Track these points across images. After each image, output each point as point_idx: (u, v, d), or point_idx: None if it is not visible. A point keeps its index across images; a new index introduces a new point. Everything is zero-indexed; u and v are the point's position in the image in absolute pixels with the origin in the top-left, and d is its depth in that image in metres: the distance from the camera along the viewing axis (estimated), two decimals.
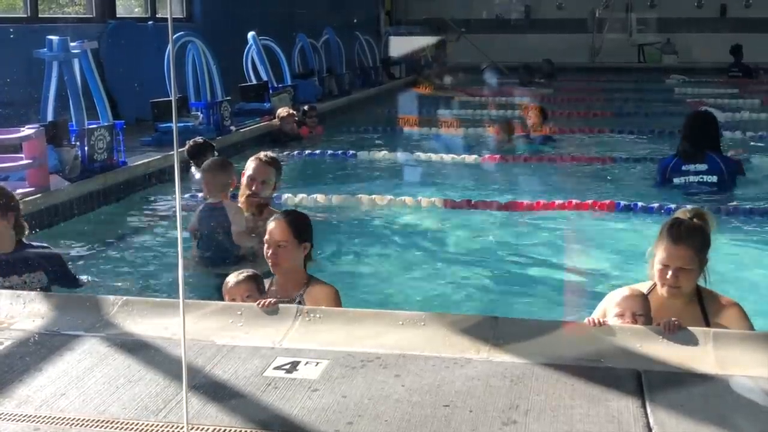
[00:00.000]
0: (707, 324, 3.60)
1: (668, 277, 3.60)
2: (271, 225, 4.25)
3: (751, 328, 3.65)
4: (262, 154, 5.53)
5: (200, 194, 7.71)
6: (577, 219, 6.95)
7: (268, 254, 4.19)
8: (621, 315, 3.55)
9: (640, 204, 7.08)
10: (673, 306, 3.63)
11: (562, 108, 14.38)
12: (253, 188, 5.38)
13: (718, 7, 22.32)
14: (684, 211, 3.85)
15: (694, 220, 3.74)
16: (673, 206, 6.90)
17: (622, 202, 7.11)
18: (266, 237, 4.24)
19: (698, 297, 3.70)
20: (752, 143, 10.66)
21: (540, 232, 6.72)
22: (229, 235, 5.25)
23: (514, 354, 3.27)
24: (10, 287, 4.23)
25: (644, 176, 8.84)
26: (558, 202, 7.20)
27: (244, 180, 5.46)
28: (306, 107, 11.88)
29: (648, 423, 2.72)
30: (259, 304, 3.74)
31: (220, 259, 5.27)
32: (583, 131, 11.69)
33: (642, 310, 3.55)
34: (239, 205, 5.42)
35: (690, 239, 3.63)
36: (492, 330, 3.49)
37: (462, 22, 22.22)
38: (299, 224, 4.29)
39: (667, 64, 21.17)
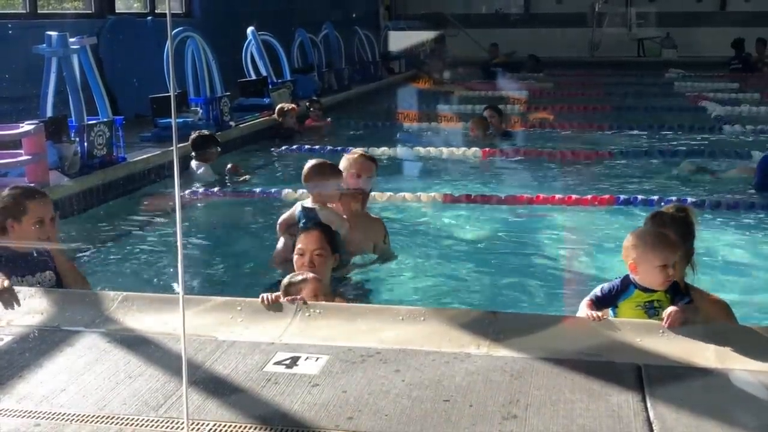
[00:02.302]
0: None
1: None
2: (304, 235, 4.29)
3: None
4: (360, 150, 5.51)
5: (200, 189, 7.76)
6: (577, 213, 6.95)
7: (303, 263, 4.23)
8: (664, 267, 3.45)
9: (639, 197, 7.08)
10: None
11: (562, 102, 14.38)
12: (360, 184, 5.33)
13: (717, 0, 22.30)
14: (666, 207, 3.93)
15: (677, 213, 3.78)
16: (673, 198, 6.93)
17: (622, 197, 7.12)
18: (300, 246, 4.26)
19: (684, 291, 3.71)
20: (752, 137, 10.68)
21: (540, 226, 6.72)
22: None
23: (514, 349, 3.27)
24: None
25: (643, 170, 8.85)
26: (558, 196, 7.20)
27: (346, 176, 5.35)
28: (308, 102, 11.91)
29: (648, 417, 2.73)
30: (262, 300, 3.76)
31: None
32: (582, 125, 11.69)
33: (677, 256, 3.49)
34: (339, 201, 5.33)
35: (673, 226, 3.67)
36: (492, 325, 3.50)
37: (461, 16, 22.19)
38: (331, 234, 4.43)
39: (667, 58, 21.14)
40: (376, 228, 5.43)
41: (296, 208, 5.30)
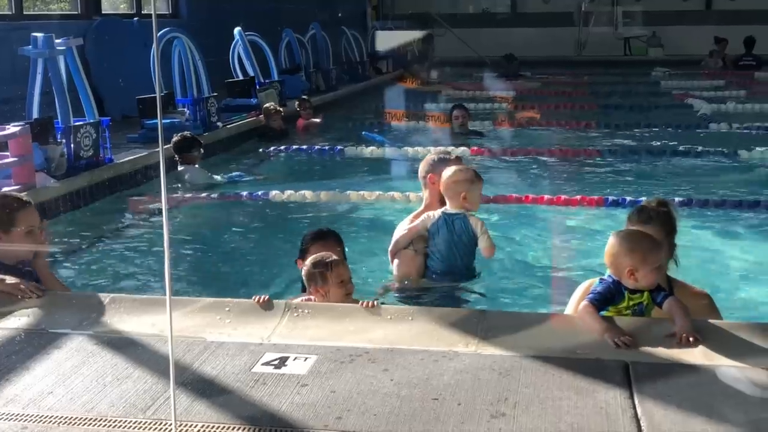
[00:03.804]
0: None
1: None
2: (322, 244, 4.27)
3: (720, 318, 3.68)
4: (438, 151, 5.38)
5: (188, 194, 7.75)
6: (565, 213, 6.97)
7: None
8: (659, 267, 3.46)
9: (628, 198, 7.11)
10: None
11: (549, 101, 14.41)
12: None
13: None
14: (648, 202, 3.93)
15: (660, 208, 3.80)
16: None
17: (611, 197, 7.14)
18: (316, 255, 4.18)
19: (668, 286, 3.72)
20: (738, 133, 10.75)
21: (529, 225, 6.74)
22: (469, 247, 4.99)
23: (502, 347, 3.27)
24: None
25: (630, 168, 8.89)
26: (547, 196, 7.21)
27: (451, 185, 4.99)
28: (297, 102, 11.92)
29: (635, 414, 2.74)
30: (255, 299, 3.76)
31: (455, 272, 5.02)
32: (569, 124, 11.73)
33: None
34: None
35: (659, 220, 3.70)
36: (480, 323, 3.50)
37: (448, 16, 22.22)
38: (342, 242, 4.41)
39: (654, 56, 21.23)
40: None
41: (432, 216, 4.99)
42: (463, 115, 10.65)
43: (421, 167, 5.32)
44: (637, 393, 2.87)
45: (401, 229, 5.11)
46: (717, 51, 19.27)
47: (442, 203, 5.06)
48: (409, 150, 9.71)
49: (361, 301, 3.77)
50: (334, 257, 4.02)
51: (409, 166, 9.24)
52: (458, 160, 5.42)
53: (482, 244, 4.93)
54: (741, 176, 8.45)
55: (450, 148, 9.57)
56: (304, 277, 4.04)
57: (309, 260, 4.04)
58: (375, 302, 3.74)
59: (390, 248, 5.10)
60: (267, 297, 3.80)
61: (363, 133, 10.86)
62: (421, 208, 5.27)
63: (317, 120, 11.76)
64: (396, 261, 5.05)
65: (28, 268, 4.22)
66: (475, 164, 9.17)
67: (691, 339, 3.23)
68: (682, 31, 21.19)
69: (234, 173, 8.60)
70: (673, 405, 2.78)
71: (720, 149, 9.52)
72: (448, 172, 4.98)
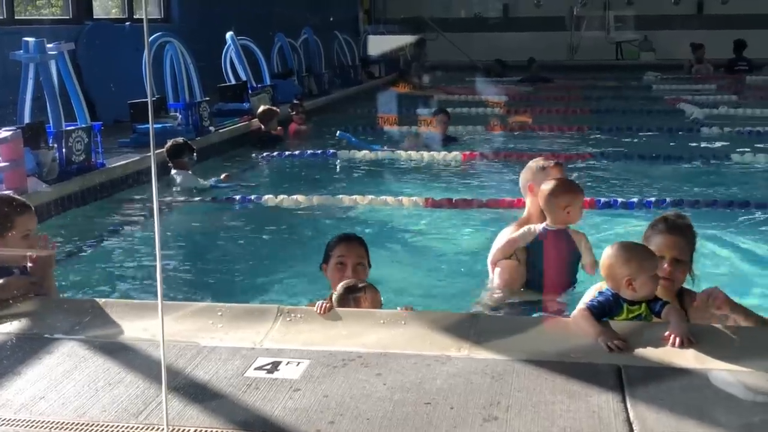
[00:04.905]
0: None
1: (664, 266, 3.60)
2: (346, 245, 4.25)
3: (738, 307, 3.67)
4: (544, 159, 5.13)
5: (180, 199, 7.74)
6: None
7: (345, 274, 4.13)
8: (656, 275, 3.46)
9: (620, 200, 7.12)
10: None
11: (541, 105, 14.44)
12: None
13: (694, 4, 22.47)
14: (668, 214, 3.91)
15: (683, 220, 3.81)
16: (652, 200, 6.99)
17: (602, 199, 7.15)
18: (341, 256, 4.19)
19: (678, 294, 3.73)
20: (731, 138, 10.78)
21: None
22: (572, 264, 4.81)
23: (495, 351, 3.27)
24: None
25: (622, 172, 8.90)
26: None
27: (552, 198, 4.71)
28: (290, 106, 11.92)
29: (628, 417, 2.74)
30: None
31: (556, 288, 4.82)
32: (561, 129, 11.75)
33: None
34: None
35: (685, 230, 3.71)
36: (472, 327, 3.51)
37: (440, 20, 22.26)
38: (367, 247, 4.36)
39: (645, 61, 21.30)
40: None
41: (533, 231, 4.79)
42: (445, 120, 10.72)
43: (522, 175, 5.16)
44: (630, 396, 2.87)
45: (501, 239, 4.98)
46: (698, 58, 19.26)
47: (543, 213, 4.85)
48: (402, 154, 9.73)
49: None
50: (364, 284, 3.94)
51: (401, 170, 9.26)
52: (559, 167, 5.14)
53: (585, 260, 4.74)
54: (733, 179, 8.47)
55: (443, 153, 9.60)
56: (334, 301, 3.87)
57: (339, 286, 3.93)
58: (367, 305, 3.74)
59: (489, 258, 4.98)
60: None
61: (338, 133, 10.87)
62: (524, 216, 5.09)
63: (305, 127, 11.75)
64: (497, 269, 4.92)
65: (25, 274, 4.21)
66: (469, 168, 9.23)
67: (684, 342, 3.23)
68: (673, 35, 21.25)
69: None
70: (666, 408, 2.78)
71: (712, 153, 9.55)
72: (548, 186, 4.72)
